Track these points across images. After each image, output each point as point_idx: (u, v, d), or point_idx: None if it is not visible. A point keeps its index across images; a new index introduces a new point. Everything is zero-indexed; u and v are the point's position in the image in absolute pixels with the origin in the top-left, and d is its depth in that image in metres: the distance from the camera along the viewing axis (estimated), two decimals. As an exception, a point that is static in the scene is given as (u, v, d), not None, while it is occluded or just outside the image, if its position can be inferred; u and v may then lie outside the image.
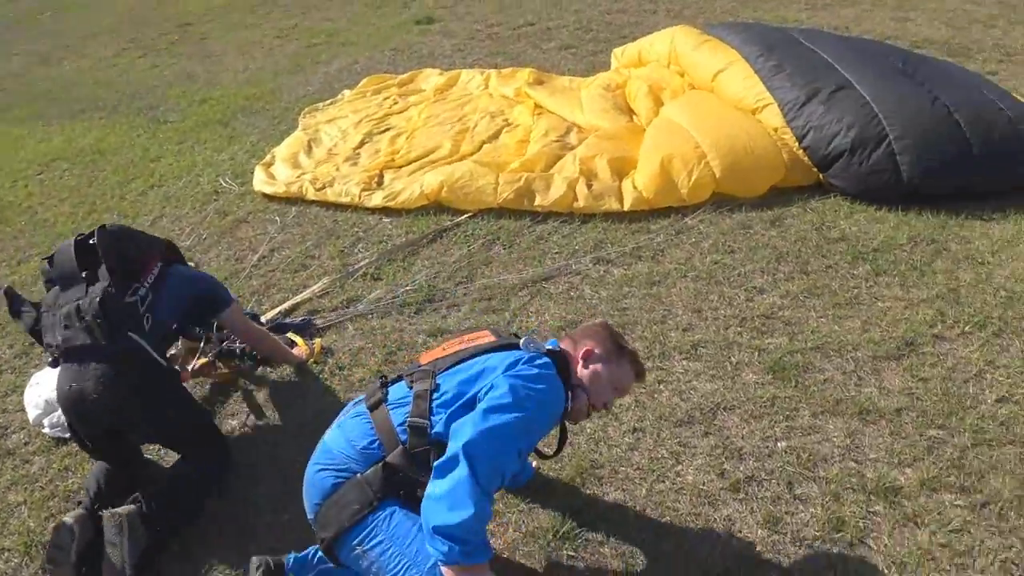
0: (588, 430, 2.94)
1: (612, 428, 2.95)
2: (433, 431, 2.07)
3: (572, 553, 2.46)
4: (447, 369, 2.19)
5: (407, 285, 3.97)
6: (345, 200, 4.81)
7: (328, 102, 6.58)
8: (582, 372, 2.29)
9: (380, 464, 2.09)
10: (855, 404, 3.01)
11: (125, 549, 2.40)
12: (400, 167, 5.13)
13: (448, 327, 3.65)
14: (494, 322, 3.67)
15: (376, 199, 4.74)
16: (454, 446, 1.96)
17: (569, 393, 2.23)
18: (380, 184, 4.93)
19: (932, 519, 2.51)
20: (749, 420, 2.96)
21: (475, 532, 1.90)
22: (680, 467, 2.77)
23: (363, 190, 4.83)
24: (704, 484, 2.69)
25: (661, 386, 3.17)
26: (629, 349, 2.39)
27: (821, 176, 4.68)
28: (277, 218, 4.78)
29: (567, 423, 2.44)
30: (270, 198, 5.03)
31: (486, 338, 2.32)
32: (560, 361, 2.24)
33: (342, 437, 2.20)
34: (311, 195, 4.91)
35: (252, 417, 3.21)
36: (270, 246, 4.47)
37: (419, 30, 8.89)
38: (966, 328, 3.43)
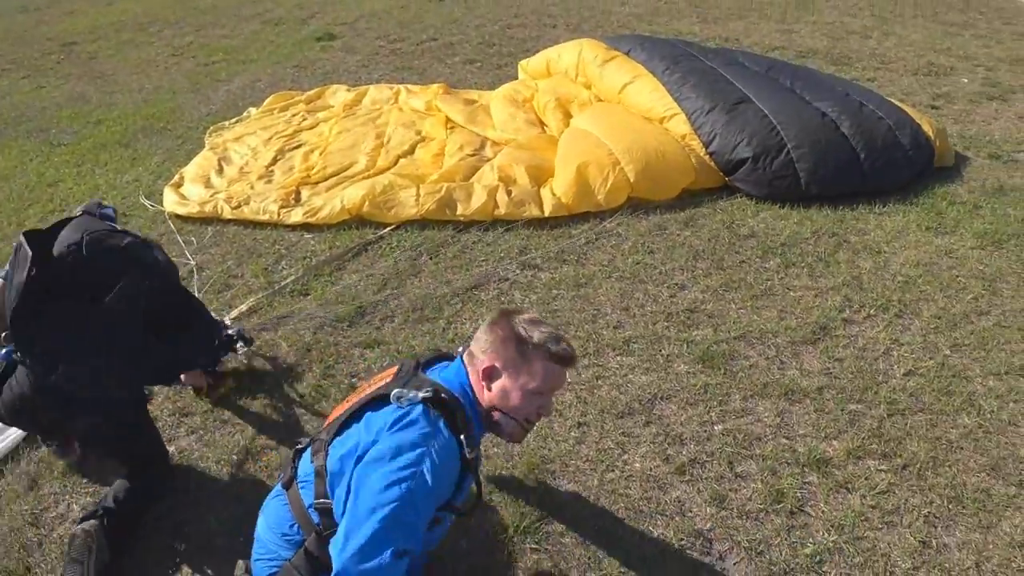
0: (534, 429, 3.02)
1: (557, 424, 3.05)
2: (336, 513, 1.86)
3: (535, 546, 2.53)
4: (334, 438, 1.93)
5: (338, 300, 3.96)
6: (264, 218, 4.74)
7: (234, 120, 6.46)
8: (490, 397, 1.97)
9: (302, 549, 1.98)
10: (780, 386, 3.21)
11: (90, 568, 2.33)
12: (317, 183, 5.10)
13: (383, 338, 3.67)
14: (428, 331, 3.71)
15: (296, 215, 4.70)
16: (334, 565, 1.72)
17: (461, 438, 1.88)
18: (298, 200, 4.89)
19: (861, 484, 2.72)
20: (686, 407, 3.12)
21: None
22: (627, 456, 2.89)
23: (282, 207, 4.78)
24: (651, 470, 2.82)
25: (599, 381, 3.29)
26: (535, 343, 1.95)
27: (727, 179, 4.96)
28: (193, 239, 4.66)
29: (509, 443, 2.28)
30: (184, 219, 4.89)
31: (384, 380, 2.01)
32: (437, 404, 1.87)
33: (265, 524, 2.11)
34: (227, 214, 4.81)
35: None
36: (189, 268, 4.36)
37: (320, 47, 8.83)
38: (871, 311, 3.71)
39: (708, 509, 2.65)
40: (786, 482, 2.74)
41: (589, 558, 2.49)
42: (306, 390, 3.35)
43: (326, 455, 1.91)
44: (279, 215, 4.73)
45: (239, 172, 5.37)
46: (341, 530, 1.74)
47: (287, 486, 2.05)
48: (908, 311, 3.71)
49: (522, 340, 1.95)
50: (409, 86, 6.75)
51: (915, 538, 2.52)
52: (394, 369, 2.06)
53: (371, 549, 1.67)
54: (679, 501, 2.69)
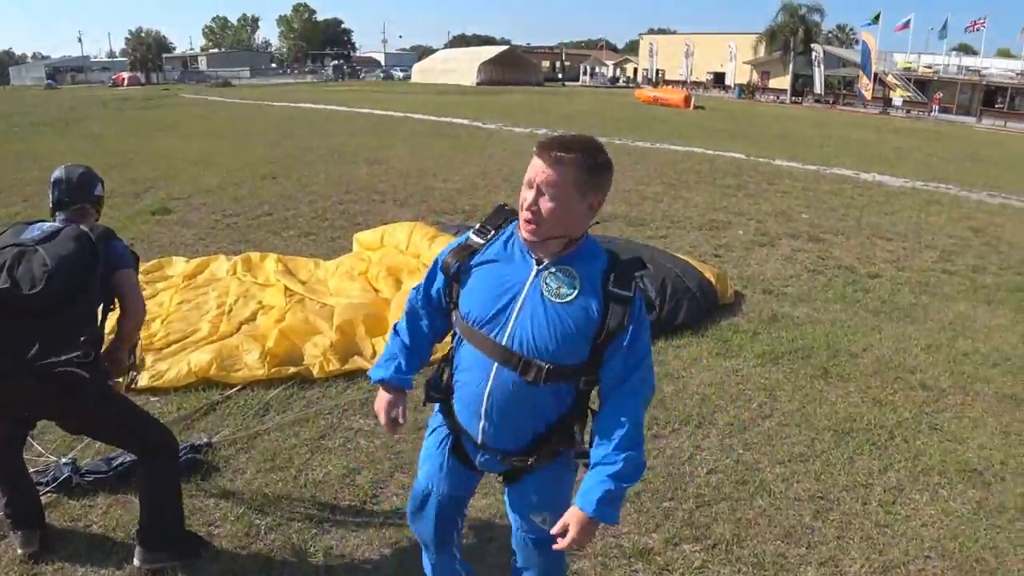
0: None
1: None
2: None
3: None
4: None
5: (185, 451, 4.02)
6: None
7: (67, 295, 6.43)
8: None
9: None
10: (604, 493, 3.63)
11: None
12: (160, 348, 5.21)
13: (237, 489, 3.77)
14: (280, 479, 3.85)
15: (142, 379, 4.77)
16: None
17: (471, 235, 2.21)
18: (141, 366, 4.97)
19: (679, 565, 3.14)
20: (525, 520, 3.45)
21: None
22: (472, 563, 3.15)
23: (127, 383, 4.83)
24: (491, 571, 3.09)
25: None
26: None
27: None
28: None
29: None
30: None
31: None
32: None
33: None
34: (66, 383, 4.80)
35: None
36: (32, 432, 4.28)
37: (156, 220, 8.98)
38: (675, 426, 4.29)
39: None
40: (615, 573, 3.10)
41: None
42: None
43: None
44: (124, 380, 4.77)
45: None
46: None
47: None
48: (706, 422, 4.32)
49: None
50: (247, 256, 7.04)
51: (727, 603, 2.94)
52: None
53: None
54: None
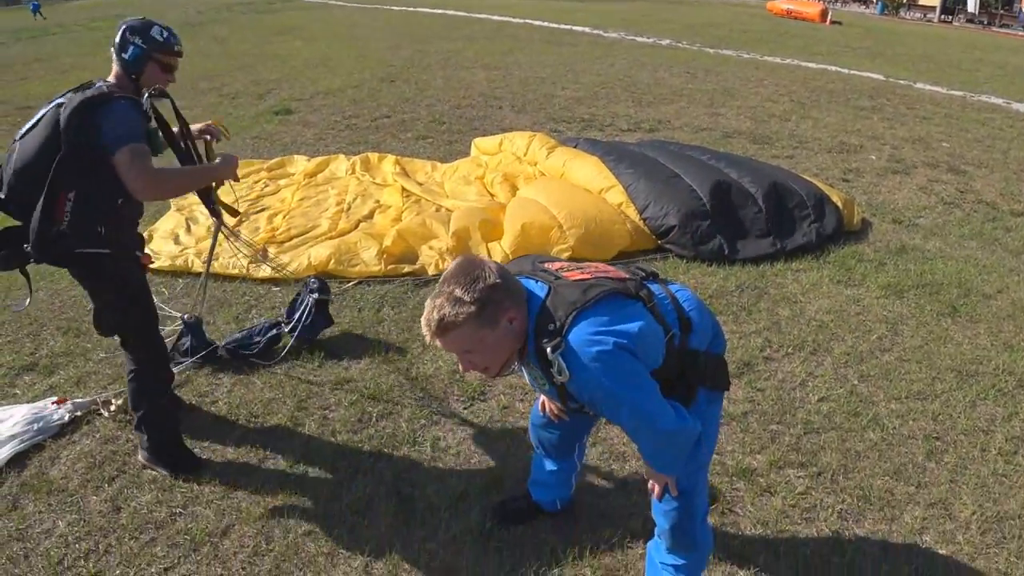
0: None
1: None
2: None
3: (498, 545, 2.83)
4: None
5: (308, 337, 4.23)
6: (234, 272, 5.04)
7: (198, 186, 6.75)
8: None
9: None
10: (711, 412, 3.60)
11: None
12: (282, 242, 5.43)
13: (352, 376, 3.96)
14: (393, 370, 4.01)
15: (265, 270, 5.01)
16: None
17: None
18: (265, 257, 5.20)
19: (782, 488, 3.11)
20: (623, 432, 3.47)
21: None
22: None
23: (250, 262, 5.08)
24: (597, 482, 3.15)
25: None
26: None
27: (659, 242, 5.46)
28: (164, 290, 4.91)
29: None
30: (154, 272, 5.13)
31: None
32: None
33: None
34: (198, 267, 5.09)
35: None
36: (163, 315, 4.58)
37: (279, 120, 9.26)
38: (788, 350, 4.17)
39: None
40: (718, 488, 3.10)
41: (550, 552, 2.78)
42: (282, 421, 3.60)
43: None
44: (248, 269, 5.03)
45: (207, 231, 5.66)
46: None
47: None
48: (821, 349, 4.19)
49: None
50: (366, 156, 7.18)
51: (830, 530, 2.91)
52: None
53: None
54: (624, 505, 3.02)
